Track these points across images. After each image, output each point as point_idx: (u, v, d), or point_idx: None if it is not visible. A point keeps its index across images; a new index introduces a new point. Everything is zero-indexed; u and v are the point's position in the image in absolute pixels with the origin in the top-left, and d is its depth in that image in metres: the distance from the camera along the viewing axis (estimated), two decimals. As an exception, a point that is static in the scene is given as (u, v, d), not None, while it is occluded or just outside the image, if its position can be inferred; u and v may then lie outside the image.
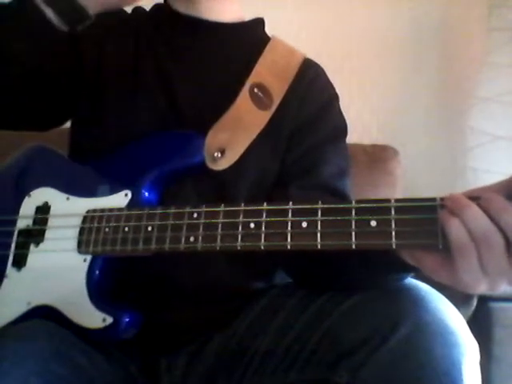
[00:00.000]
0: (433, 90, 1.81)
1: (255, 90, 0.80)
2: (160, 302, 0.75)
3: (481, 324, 1.22)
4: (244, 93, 0.80)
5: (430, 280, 0.54)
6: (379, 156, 1.53)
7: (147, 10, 0.92)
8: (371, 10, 1.80)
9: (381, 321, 0.59)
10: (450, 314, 0.60)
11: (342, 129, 0.87)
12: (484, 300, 1.25)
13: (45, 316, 0.71)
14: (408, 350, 0.57)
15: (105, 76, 0.84)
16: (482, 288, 0.48)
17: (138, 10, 0.92)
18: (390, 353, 0.57)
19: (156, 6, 0.91)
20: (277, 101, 0.81)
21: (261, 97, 0.80)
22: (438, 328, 0.57)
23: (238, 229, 0.60)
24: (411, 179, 1.59)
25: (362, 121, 1.74)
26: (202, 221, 0.63)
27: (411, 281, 0.64)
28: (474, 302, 1.23)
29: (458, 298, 1.22)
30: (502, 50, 1.64)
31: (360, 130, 1.71)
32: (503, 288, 0.48)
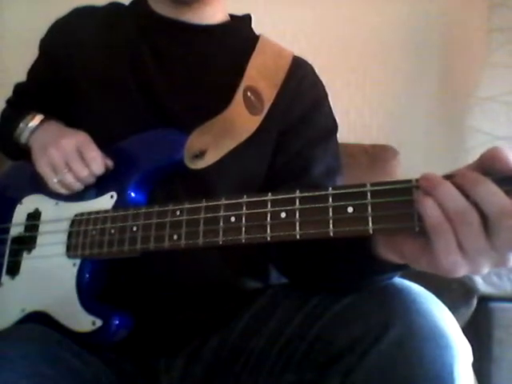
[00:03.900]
0: (433, 90, 1.81)
1: (248, 94, 0.79)
2: (157, 304, 0.75)
3: (481, 324, 1.21)
4: (238, 96, 0.78)
5: (427, 282, 0.53)
6: (379, 156, 1.52)
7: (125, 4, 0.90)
8: (372, 9, 1.80)
9: (371, 323, 0.58)
10: (442, 315, 0.59)
11: (332, 128, 0.86)
12: (484, 300, 1.24)
13: (38, 321, 0.70)
14: (398, 352, 0.55)
15: (82, 84, 0.82)
16: (464, 270, 0.46)
17: (116, 5, 0.89)
18: (380, 356, 0.56)
19: (135, 4, 0.89)
20: (267, 105, 0.79)
21: (253, 101, 0.79)
22: (429, 330, 0.56)
23: (219, 223, 0.59)
24: (411, 179, 1.59)
25: (362, 121, 1.74)
26: (185, 217, 0.62)
27: (403, 282, 0.63)
28: (474, 302, 1.23)
29: (458, 299, 1.23)
30: (502, 50, 1.64)
31: (360, 129, 1.70)
32: (486, 270, 0.46)
